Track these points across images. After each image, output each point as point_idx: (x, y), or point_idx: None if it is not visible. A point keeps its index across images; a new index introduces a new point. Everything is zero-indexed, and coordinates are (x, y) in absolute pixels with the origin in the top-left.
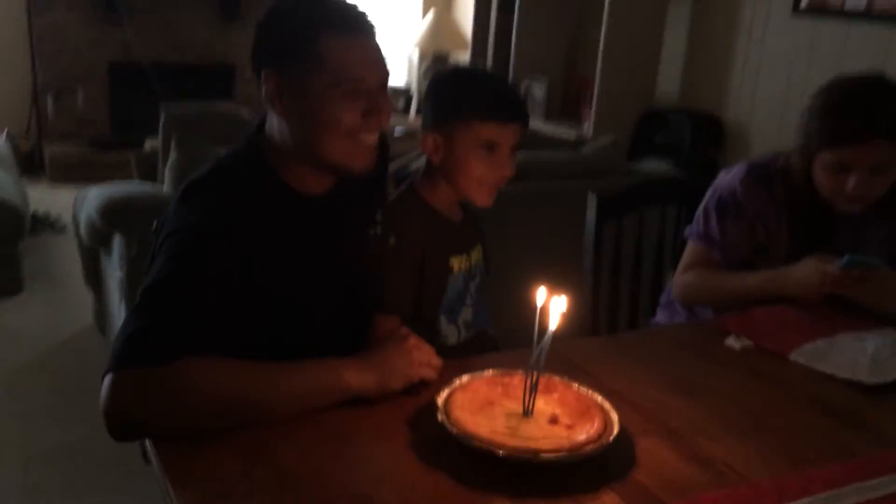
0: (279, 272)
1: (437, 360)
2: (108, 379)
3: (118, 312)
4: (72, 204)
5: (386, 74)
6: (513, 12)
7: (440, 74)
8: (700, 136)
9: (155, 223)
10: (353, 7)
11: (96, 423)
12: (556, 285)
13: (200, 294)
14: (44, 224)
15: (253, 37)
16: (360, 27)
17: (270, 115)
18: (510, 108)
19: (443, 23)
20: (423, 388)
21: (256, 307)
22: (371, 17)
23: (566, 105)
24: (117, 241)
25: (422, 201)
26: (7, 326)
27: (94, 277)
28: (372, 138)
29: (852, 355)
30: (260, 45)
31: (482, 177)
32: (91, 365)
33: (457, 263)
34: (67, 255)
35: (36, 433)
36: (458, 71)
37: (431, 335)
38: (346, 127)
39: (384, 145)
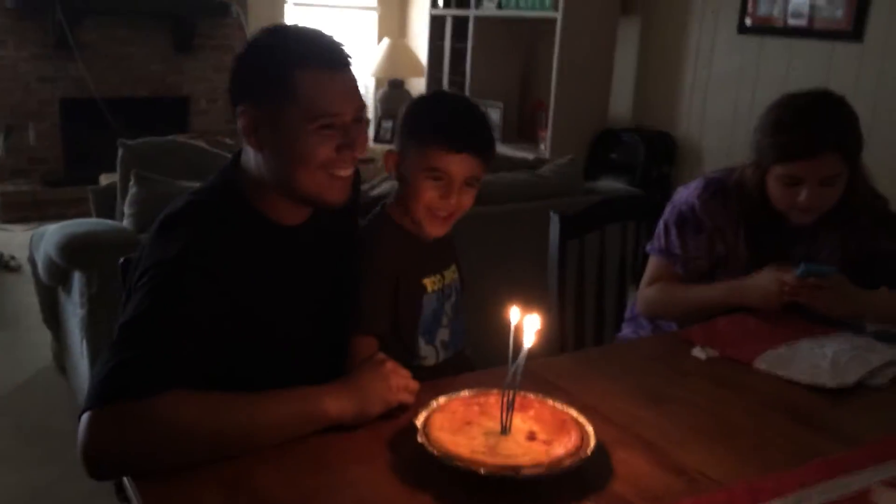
0: (258, 302)
1: (414, 384)
2: (86, 417)
3: (80, 351)
4: (27, 243)
5: (361, 107)
6: (466, 39)
7: (416, 97)
8: (653, 153)
9: (121, 261)
10: (330, 40)
11: (63, 465)
12: (520, 305)
13: (180, 328)
14: None
15: (230, 71)
16: (335, 61)
17: (246, 149)
18: (460, 137)
19: (398, 50)
20: (401, 412)
21: (236, 338)
22: (347, 49)
23: (522, 128)
24: (77, 279)
25: (393, 222)
26: None
27: (53, 317)
28: (347, 172)
29: (813, 360)
30: (236, 80)
31: (430, 204)
32: (53, 406)
33: (430, 283)
34: (23, 295)
35: (1, 478)
36: (432, 95)
37: (409, 358)
38: (321, 161)
39: (356, 173)
